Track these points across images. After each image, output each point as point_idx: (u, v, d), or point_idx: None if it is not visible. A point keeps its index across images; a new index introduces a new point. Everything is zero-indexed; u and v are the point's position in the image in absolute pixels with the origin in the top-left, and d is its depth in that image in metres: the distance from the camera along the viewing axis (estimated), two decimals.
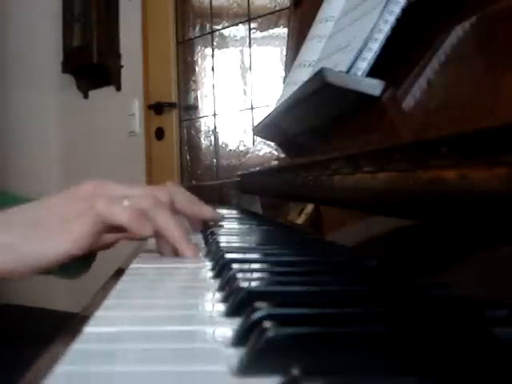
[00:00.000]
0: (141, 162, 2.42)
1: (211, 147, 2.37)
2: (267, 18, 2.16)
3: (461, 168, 0.28)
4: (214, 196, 1.46)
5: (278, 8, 2.11)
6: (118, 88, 2.50)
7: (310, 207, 0.63)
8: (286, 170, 0.74)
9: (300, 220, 0.65)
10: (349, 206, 0.48)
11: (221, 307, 0.31)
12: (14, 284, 2.43)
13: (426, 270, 0.32)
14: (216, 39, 2.34)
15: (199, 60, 2.43)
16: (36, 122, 2.76)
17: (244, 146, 2.23)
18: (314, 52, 0.67)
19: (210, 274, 0.43)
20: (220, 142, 2.34)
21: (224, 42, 2.34)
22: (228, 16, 2.31)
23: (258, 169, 1.01)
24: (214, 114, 2.34)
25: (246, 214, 1.03)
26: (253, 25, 2.20)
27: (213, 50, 2.36)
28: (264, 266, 0.44)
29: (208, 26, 2.37)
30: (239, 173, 1.24)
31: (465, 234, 0.29)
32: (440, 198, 0.31)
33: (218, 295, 0.35)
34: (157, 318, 0.29)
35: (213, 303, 0.33)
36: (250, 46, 2.21)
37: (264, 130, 0.86)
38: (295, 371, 0.18)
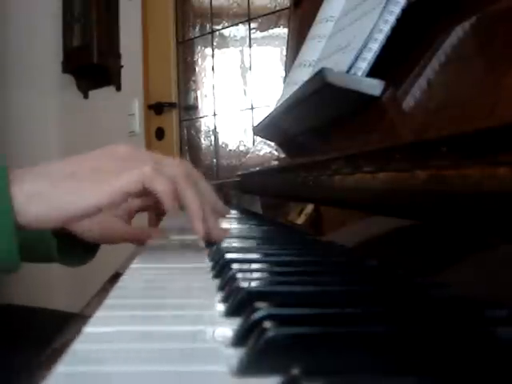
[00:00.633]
0: None
1: (211, 147, 2.37)
2: (267, 18, 2.16)
3: (461, 168, 0.28)
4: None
5: (278, 8, 2.11)
6: (118, 88, 2.50)
7: (309, 207, 0.63)
8: (286, 169, 0.74)
9: (300, 220, 0.65)
10: (349, 205, 0.48)
11: (221, 307, 0.31)
12: (15, 284, 2.43)
13: (426, 269, 0.32)
14: (216, 39, 2.34)
15: (199, 60, 2.43)
16: (36, 122, 2.76)
17: (244, 146, 2.23)
18: (314, 52, 0.67)
19: (210, 274, 0.43)
20: (220, 142, 2.34)
21: (224, 42, 2.34)
22: (228, 16, 2.31)
23: (258, 169, 1.01)
24: (214, 114, 2.34)
25: (246, 214, 1.03)
26: (253, 25, 2.20)
27: (213, 50, 2.36)
28: (264, 265, 0.44)
29: (208, 25, 2.37)
30: (239, 173, 1.24)
31: (465, 234, 0.29)
32: (440, 197, 0.31)
33: (218, 295, 0.35)
34: (157, 317, 0.29)
35: (213, 303, 0.33)
36: (250, 46, 2.21)
37: (264, 129, 0.86)
38: (295, 371, 0.18)
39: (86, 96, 2.65)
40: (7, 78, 2.79)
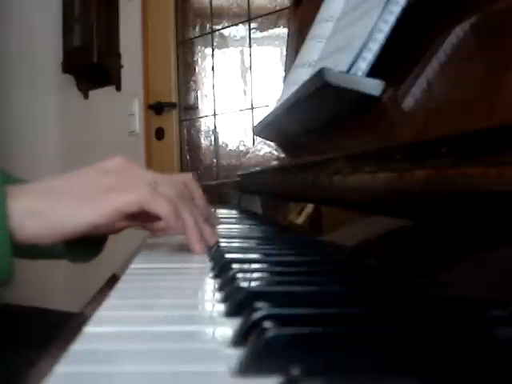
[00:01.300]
0: (141, 162, 2.42)
1: (211, 147, 2.37)
2: (267, 18, 2.16)
3: (461, 168, 0.28)
4: (214, 196, 1.46)
5: (278, 8, 2.11)
6: (118, 88, 2.50)
7: (310, 207, 0.63)
8: (286, 169, 0.74)
9: (300, 220, 0.65)
10: (349, 205, 0.48)
11: (221, 307, 0.31)
12: (14, 284, 2.43)
13: (426, 269, 0.32)
14: (216, 39, 2.34)
15: (199, 60, 2.43)
16: (36, 121, 2.76)
17: (244, 145, 2.23)
18: (314, 52, 0.67)
19: (210, 274, 0.43)
20: (220, 142, 2.34)
21: (224, 42, 2.34)
22: (228, 16, 2.31)
23: (257, 169, 1.01)
24: (214, 114, 2.34)
25: (246, 214, 1.03)
26: (253, 25, 2.20)
27: (213, 50, 2.36)
28: (264, 265, 0.44)
29: (208, 25, 2.37)
30: (239, 173, 1.23)
31: (465, 234, 0.29)
32: (440, 197, 0.31)
33: (218, 295, 0.35)
34: (157, 317, 0.29)
35: (213, 303, 0.33)
36: (250, 46, 2.21)
37: (264, 129, 0.86)
38: (295, 371, 0.18)
39: (86, 96, 2.65)
40: (7, 78, 2.79)
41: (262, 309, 0.24)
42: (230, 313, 0.29)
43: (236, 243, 0.59)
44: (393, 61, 0.44)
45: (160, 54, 2.38)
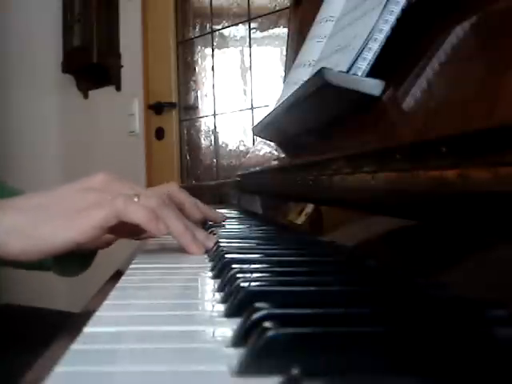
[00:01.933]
0: (141, 162, 2.42)
1: (211, 147, 2.37)
2: (267, 18, 2.16)
3: (461, 168, 0.28)
4: (214, 196, 1.46)
5: (278, 8, 2.11)
6: (118, 88, 2.50)
7: (310, 207, 0.63)
8: (286, 169, 0.74)
9: (300, 220, 0.65)
10: (349, 205, 0.48)
11: (221, 307, 0.31)
12: (14, 284, 2.43)
13: (426, 270, 0.32)
14: (216, 39, 2.34)
15: (199, 60, 2.43)
16: (36, 121, 2.76)
17: (244, 145, 2.23)
18: (314, 52, 0.67)
19: (210, 274, 0.43)
20: (220, 142, 2.34)
21: (224, 42, 2.34)
22: (228, 16, 2.31)
23: (258, 169, 1.01)
24: (214, 114, 2.34)
25: (246, 214, 1.03)
26: (253, 25, 2.20)
27: (213, 50, 2.35)
28: (264, 266, 0.44)
29: (208, 25, 2.37)
30: (239, 173, 1.23)
31: (465, 234, 0.29)
32: (440, 198, 0.31)
33: (218, 295, 0.35)
34: (157, 318, 0.29)
35: (213, 303, 0.33)
36: (250, 46, 2.21)
37: (264, 129, 0.86)
38: (295, 371, 0.18)
39: (86, 96, 2.65)
40: (7, 78, 2.79)
41: (262, 309, 0.24)
42: (230, 313, 0.29)
43: (236, 243, 0.59)
44: (393, 61, 0.44)
45: (160, 54, 2.38)
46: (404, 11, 0.44)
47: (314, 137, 0.64)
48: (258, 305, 0.25)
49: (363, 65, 0.47)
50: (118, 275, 0.43)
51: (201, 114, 2.40)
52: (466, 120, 0.29)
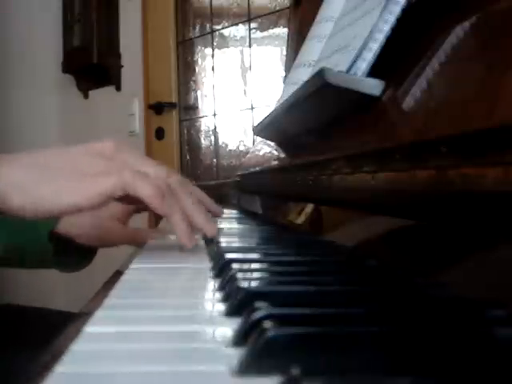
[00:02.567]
0: None
1: (211, 147, 2.37)
2: (267, 18, 2.16)
3: (461, 168, 0.28)
4: (214, 196, 1.45)
5: (278, 8, 2.11)
6: (118, 88, 2.50)
7: (310, 207, 0.63)
8: (286, 169, 0.74)
9: (300, 220, 0.65)
10: (349, 205, 0.48)
11: (221, 307, 0.31)
12: (14, 284, 2.43)
13: (426, 269, 0.32)
14: (216, 39, 2.34)
15: (199, 60, 2.43)
16: (36, 121, 2.76)
17: (244, 145, 2.23)
18: (314, 52, 0.67)
19: (210, 274, 0.43)
20: (220, 142, 2.34)
21: (224, 42, 2.34)
22: (228, 16, 2.31)
23: (257, 169, 1.01)
24: (214, 114, 2.34)
25: (246, 214, 1.03)
26: (253, 25, 2.20)
27: (213, 50, 2.36)
28: (264, 265, 0.44)
29: (208, 25, 2.37)
30: (239, 173, 1.24)
31: (465, 234, 0.29)
32: (440, 197, 0.31)
33: (218, 295, 0.35)
34: (157, 317, 0.29)
35: (213, 303, 0.33)
36: (250, 46, 2.21)
37: (264, 129, 0.86)
38: (295, 371, 0.18)
39: (86, 96, 2.65)
40: (7, 78, 2.79)
41: (262, 309, 0.24)
42: (230, 313, 0.29)
43: (236, 243, 0.59)
44: (393, 61, 0.44)
45: (160, 54, 2.38)
46: (404, 11, 0.44)
47: (314, 137, 0.64)
48: (257, 304, 0.25)
49: (363, 65, 0.47)
50: (117, 275, 0.43)
51: (201, 114, 2.40)
52: (465, 120, 0.29)
